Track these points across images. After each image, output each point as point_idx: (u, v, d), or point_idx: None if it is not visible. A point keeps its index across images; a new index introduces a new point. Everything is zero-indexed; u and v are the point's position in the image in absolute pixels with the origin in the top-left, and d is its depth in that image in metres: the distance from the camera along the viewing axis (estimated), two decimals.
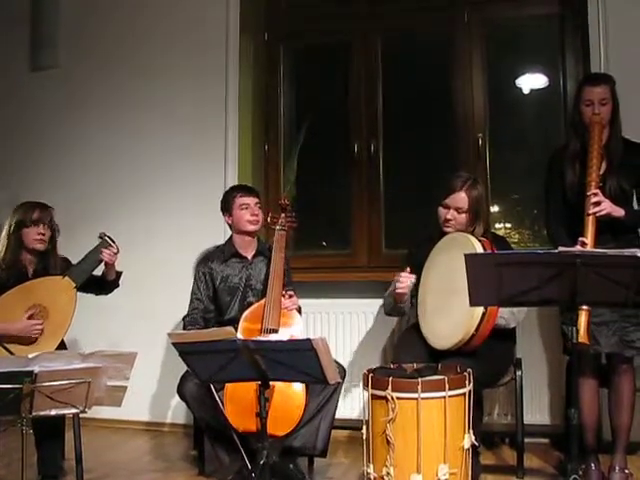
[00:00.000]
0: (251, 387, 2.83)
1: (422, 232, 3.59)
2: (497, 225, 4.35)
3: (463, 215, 3.26)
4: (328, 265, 4.36)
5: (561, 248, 2.37)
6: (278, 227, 3.53)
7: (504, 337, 3.18)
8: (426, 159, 4.46)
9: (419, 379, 2.57)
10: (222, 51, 4.37)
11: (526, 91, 4.32)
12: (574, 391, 2.88)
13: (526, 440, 3.52)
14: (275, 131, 4.57)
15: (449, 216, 3.26)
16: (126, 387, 2.62)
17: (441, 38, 4.40)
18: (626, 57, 3.69)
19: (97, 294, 3.51)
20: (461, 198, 3.25)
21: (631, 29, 3.74)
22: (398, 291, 3.24)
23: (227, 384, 3.08)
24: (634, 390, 3.12)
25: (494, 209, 4.37)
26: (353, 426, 3.69)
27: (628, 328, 3.02)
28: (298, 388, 3.12)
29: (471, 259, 2.43)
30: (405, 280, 3.23)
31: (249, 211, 3.52)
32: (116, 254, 3.36)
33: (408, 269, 3.26)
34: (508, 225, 4.39)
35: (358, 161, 4.38)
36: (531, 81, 4.31)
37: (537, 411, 3.79)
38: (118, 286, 3.52)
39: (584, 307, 2.68)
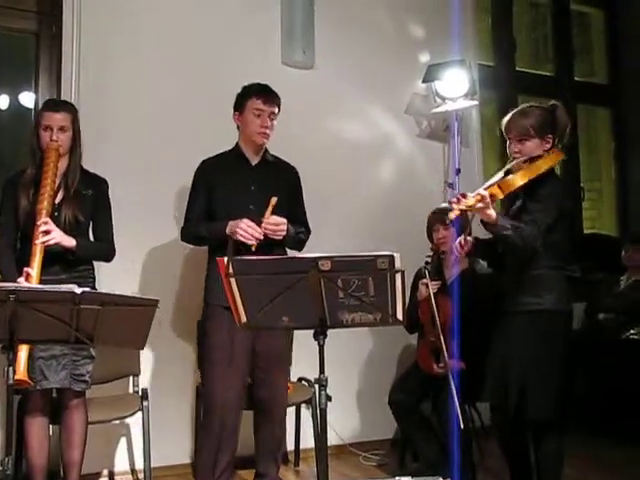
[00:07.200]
0: None
1: None
2: None
3: None
4: None
5: None
6: None
7: None
8: None
9: None
10: None
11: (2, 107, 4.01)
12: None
13: None
14: None
15: None
16: None
17: None
18: (98, 85, 3.70)
19: None
20: None
21: (105, 58, 3.76)
22: None
23: None
24: (86, 424, 3.06)
25: None
26: None
27: (78, 361, 2.95)
28: None
29: None
30: None
31: None
32: None
33: None
34: None
35: None
36: (3, 99, 4.02)
37: None
38: None
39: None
